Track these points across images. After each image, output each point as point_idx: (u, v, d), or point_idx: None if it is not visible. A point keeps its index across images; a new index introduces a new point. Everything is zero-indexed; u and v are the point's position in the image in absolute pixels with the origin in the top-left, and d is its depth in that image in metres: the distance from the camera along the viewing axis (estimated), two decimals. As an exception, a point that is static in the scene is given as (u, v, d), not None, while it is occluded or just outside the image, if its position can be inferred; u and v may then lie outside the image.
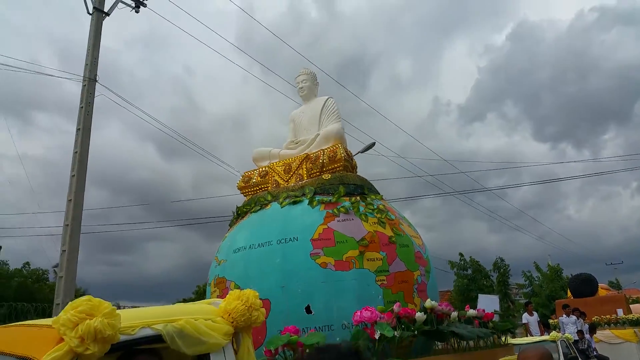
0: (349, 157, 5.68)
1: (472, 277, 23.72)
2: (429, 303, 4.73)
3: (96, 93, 10.44)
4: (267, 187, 5.82)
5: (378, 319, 3.99)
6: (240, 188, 6.00)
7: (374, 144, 17.60)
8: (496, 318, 6.20)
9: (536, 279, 25.83)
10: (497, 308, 9.82)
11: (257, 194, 5.62)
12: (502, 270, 23.81)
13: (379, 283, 4.65)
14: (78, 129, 10.09)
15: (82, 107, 10.32)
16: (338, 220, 4.87)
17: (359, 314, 3.93)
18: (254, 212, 5.36)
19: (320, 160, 5.59)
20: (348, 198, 5.15)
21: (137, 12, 12.29)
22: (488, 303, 9.77)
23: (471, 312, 5.64)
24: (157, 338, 2.71)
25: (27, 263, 22.23)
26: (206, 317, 3.04)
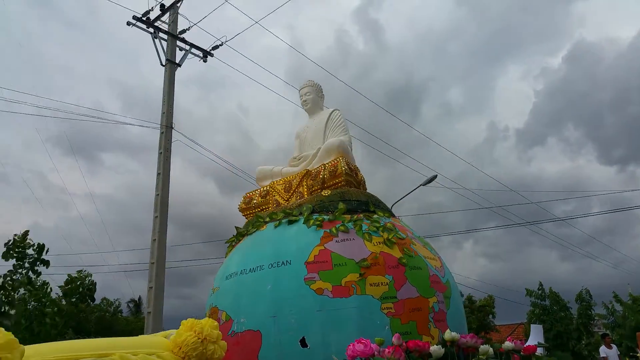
0: (353, 172, 5.14)
1: (548, 309, 21.68)
2: (448, 335, 4.02)
3: (173, 139, 11.32)
4: (269, 207, 5.35)
5: (375, 353, 3.35)
6: (241, 210, 5.56)
7: (435, 176, 17.50)
8: (541, 351, 5.31)
9: (618, 310, 23.47)
10: (542, 339, 8.71)
11: (256, 215, 5.15)
12: (584, 302, 21.61)
13: (385, 311, 4.00)
14: (159, 174, 10.85)
15: (160, 153, 11.07)
16: (336, 241, 4.29)
17: (351, 347, 3.30)
18: (249, 234, 4.88)
19: (321, 176, 5.08)
20: (349, 216, 4.58)
21: (205, 61, 12.97)
22: (536, 333, 8.70)
23: (507, 344, 4.83)
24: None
25: (105, 298, 23.20)
26: (150, 351, 2.53)
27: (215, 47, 12.95)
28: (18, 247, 12.10)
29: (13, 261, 12.07)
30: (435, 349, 3.85)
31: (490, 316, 25.69)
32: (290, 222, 4.59)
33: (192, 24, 12.59)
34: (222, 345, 2.77)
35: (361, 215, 4.63)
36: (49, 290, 12.73)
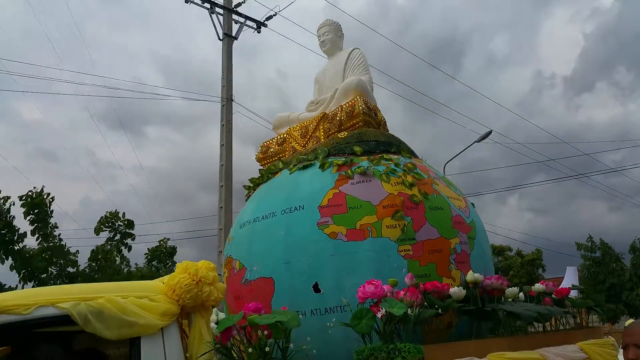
0: (372, 112, 4.84)
1: (600, 261, 20.91)
2: (471, 276, 3.79)
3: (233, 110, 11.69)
4: (285, 155, 5.18)
5: (387, 294, 3.18)
6: (258, 160, 5.41)
7: (490, 132, 17.38)
8: (575, 294, 5.01)
9: None
10: (576, 281, 8.27)
11: (269, 164, 5.00)
12: (637, 252, 20.64)
13: (403, 254, 3.80)
14: (222, 145, 11.33)
15: (223, 125, 11.52)
16: (352, 183, 4.08)
17: (362, 289, 3.15)
18: (264, 182, 4.74)
19: (338, 118, 4.82)
20: (367, 157, 4.33)
21: (259, 32, 13.17)
22: (570, 276, 8.27)
23: (537, 286, 4.55)
24: (65, 319, 2.19)
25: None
26: (141, 294, 2.47)
27: (269, 18, 13.07)
28: (109, 222, 13.10)
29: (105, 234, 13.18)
30: (455, 290, 3.64)
31: (540, 269, 25.23)
32: (305, 167, 4.41)
33: None
34: (219, 287, 2.67)
35: (379, 156, 4.38)
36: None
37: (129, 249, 13.77)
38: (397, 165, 4.23)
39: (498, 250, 25.31)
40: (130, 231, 13.60)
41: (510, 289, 4.36)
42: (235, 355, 2.43)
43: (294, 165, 4.49)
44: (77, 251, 12.52)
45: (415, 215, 3.94)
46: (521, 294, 4.48)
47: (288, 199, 4.14)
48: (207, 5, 12.16)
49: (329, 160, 4.32)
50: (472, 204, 4.78)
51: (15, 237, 11.26)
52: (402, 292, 3.38)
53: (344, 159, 4.26)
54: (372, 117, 4.83)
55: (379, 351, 2.88)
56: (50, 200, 11.81)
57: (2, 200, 11.29)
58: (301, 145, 5.04)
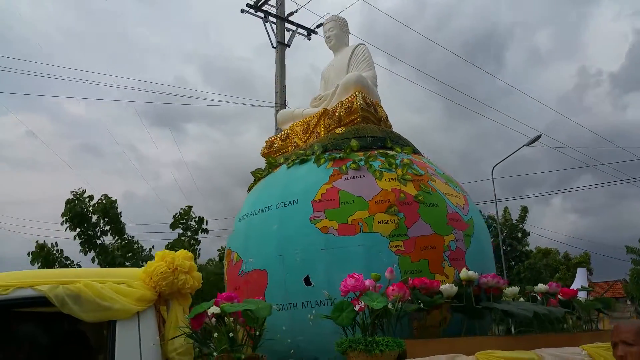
0: (371, 107, 4.83)
1: None
2: (465, 273, 3.74)
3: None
4: (288, 150, 5.23)
5: (370, 288, 3.19)
6: (263, 155, 5.48)
7: (539, 136, 17.42)
8: (583, 295, 4.87)
9: None
10: (585, 283, 7.99)
11: (269, 158, 5.06)
12: None
13: (394, 249, 3.79)
14: None
15: (277, 129, 11.88)
16: (346, 179, 4.09)
17: (344, 282, 3.16)
18: (263, 177, 4.81)
19: (337, 114, 4.83)
20: (363, 153, 4.33)
21: (309, 39, 13.61)
22: (581, 277, 8.02)
23: (540, 287, 4.46)
24: (42, 301, 2.30)
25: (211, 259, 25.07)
26: (120, 280, 2.56)
27: (320, 25, 13.31)
28: (183, 218, 13.66)
29: (179, 230, 13.60)
30: (446, 287, 3.61)
31: (587, 273, 24.58)
32: (302, 162, 4.45)
33: (299, 7, 13.24)
34: (195, 276, 2.74)
35: (376, 152, 4.37)
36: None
37: (198, 243, 14.16)
38: (392, 161, 4.21)
39: (543, 253, 24.85)
40: (204, 227, 14.01)
41: (510, 288, 4.29)
42: (207, 340, 2.49)
43: (292, 160, 4.53)
44: (153, 246, 13.16)
45: (408, 211, 3.92)
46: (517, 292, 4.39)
47: (283, 193, 4.19)
48: (261, 14, 12.58)
49: (325, 155, 4.35)
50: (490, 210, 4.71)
51: (98, 234, 12.07)
52: (390, 289, 3.39)
53: (339, 155, 4.27)
54: (371, 112, 4.82)
55: (357, 343, 2.90)
56: (116, 205, 12.56)
57: (86, 199, 12.00)
58: (303, 141, 5.09)
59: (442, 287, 3.63)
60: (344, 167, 4.17)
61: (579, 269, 9.73)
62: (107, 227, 12.34)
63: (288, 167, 4.51)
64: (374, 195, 3.96)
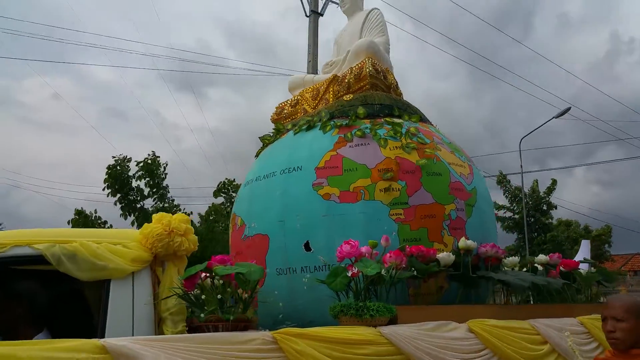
0: (380, 74, 4.77)
1: None
2: (463, 242, 3.77)
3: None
4: (298, 116, 5.24)
5: (367, 255, 3.26)
6: (273, 121, 5.50)
7: (569, 108, 17.42)
8: (586, 267, 4.84)
9: None
10: (588, 255, 7.89)
11: (277, 124, 5.09)
12: None
13: (394, 217, 3.83)
14: None
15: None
16: (350, 146, 4.11)
17: (340, 248, 3.24)
18: (271, 143, 4.86)
19: (347, 80, 4.80)
20: (369, 121, 4.32)
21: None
22: (584, 249, 7.91)
23: (541, 257, 4.46)
24: (39, 259, 2.43)
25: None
26: (116, 241, 2.68)
27: None
28: (226, 188, 13.97)
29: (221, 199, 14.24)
30: (443, 255, 3.66)
31: (606, 245, 24.37)
32: (309, 129, 4.47)
33: None
34: (191, 239, 2.84)
35: (382, 119, 4.35)
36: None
37: None
38: (398, 129, 4.19)
39: (565, 224, 24.65)
40: None
41: (510, 258, 4.31)
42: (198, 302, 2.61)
43: (299, 127, 4.56)
44: (191, 212, 13.58)
45: (410, 179, 3.93)
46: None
47: (288, 160, 4.24)
48: None
49: (332, 122, 4.35)
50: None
51: (139, 198, 12.45)
52: (388, 256, 3.45)
53: (345, 122, 4.27)
54: (380, 80, 4.76)
55: (349, 308, 2.99)
56: (165, 165, 12.82)
57: (127, 162, 12.31)
58: (312, 107, 5.09)
59: (439, 255, 3.67)
60: (349, 135, 4.17)
61: (583, 241, 9.62)
62: (149, 190, 12.62)
63: (295, 134, 4.54)
64: (377, 163, 3.97)
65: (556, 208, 23.13)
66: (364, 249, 3.27)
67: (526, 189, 20.27)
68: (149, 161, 12.79)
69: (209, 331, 2.45)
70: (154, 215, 2.82)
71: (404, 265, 3.41)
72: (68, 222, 11.81)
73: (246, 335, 2.44)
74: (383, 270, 3.13)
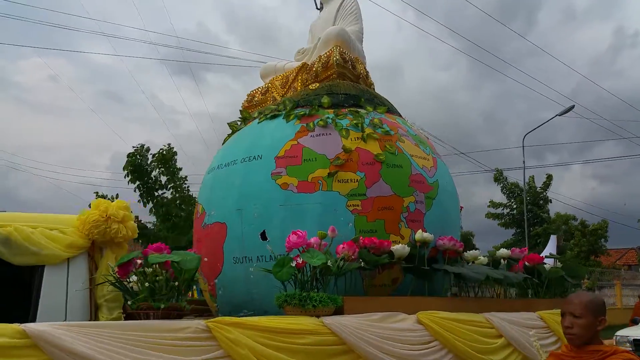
0: (348, 63, 4.72)
1: None
2: (420, 235, 3.77)
3: None
4: (267, 104, 5.19)
5: (315, 246, 3.24)
6: (244, 108, 5.46)
7: (573, 107, 17.55)
8: (552, 262, 4.85)
9: None
10: (554, 250, 7.90)
11: (243, 111, 5.05)
12: None
13: (351, 208, 3.81)
14: None
15: None
16: (311, 136, 4.07)
17: (288, 238, 3.23)
18: (238, 130, 4.82)
19: (314, 69, 4.75)
20: (333, 110, 4.28)
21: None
22: (551, 244, 7.93)
23: (502, 251, 4.46)
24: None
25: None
26: (53, 226, 2.66)
27: None
28: None
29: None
30: (398, 247, 3.65)
31: (602, 240, 24.57)
32: (274, 117, 4.43)
33: None
34: (129, 226, 2.82)
35: (346, 110, 4.32)
36: None
37: None
38: (361, 120, 4.16)
39: (563, 219, 24.83)
40: None
41: (471, 251, 4.31)
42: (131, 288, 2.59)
43: (264, 115, 4.52)
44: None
45: (369, 171, 3.91)
46: (483, 257, 4.41)
47: (250, 148, 4.21)
48: None
49: (296, 111, 4.31)
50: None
51: (156, 186, 12.57)
52: (341, 246, 3.44)
53: (307, 111, 4.24)
54: (348, 69, 4.72)
55: (292, 298, 2.98)
56: (174, 153, 12.86)
57: (146, 152, 12.41)
58: (281, 95, 5.04)
59: (394, 247, 3.66)
60: (311, 124, 4.14)
61: (551, 236, 9.66)
62: (165, 179, 12.74)
63: (259, 122, 4.50)
64: (337, 154, 3.95)
65: (551, 202, 23.29)
66: (312, 240, 3.26)
67: (521, 183, 20.34)
68: (164, 152, 12.98)
69: (140, 319, 2.44)
70: (92, 202, 2.80)
71: (353, 257, 3.40)
72: (89, 207, 11.98)
73: (178, 324, 2.44)
74: (329, 261, 3.12)
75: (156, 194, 12.88)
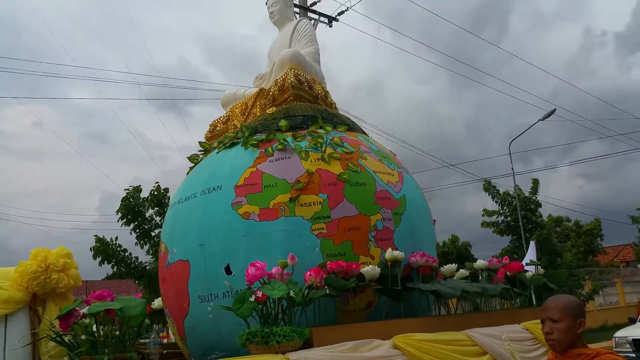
0: (304, 85, 4.63)
1: None
2: (390, 254, 3.61)
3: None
4: (229, 133, 5.06)
5: (276, 276, 3.07)
6: (207, 139, 5.32)
7: (554, 110, 18.05)
8: (532, 270, 4.71)
9: None
10: (534, 257, 7.77)
11: (202, 143, 4.91)
12: None
13: (316, 232, 3.65)
14: None
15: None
16: (270, 161, 3.94)
17: (247, 271, 3.05)
18: (198, 163, 4.66)
19: (271, 93, 4.65)
20: (291, 133, 4.16)
21: (330, 27, 14.14)
22: (532, 250, 7.81)
23: (479, 263, 4.32)
24: None
25: None
26: (-13, 282, 2.45)
27: (341, 13, 14.13)
28: None
29: None
30: (368, 269, 3.49)
31: (598, 239, 24.64)
32: (232, 146, 4.29)
33: None
34: (72, 274, 2.63)
35: (305, 131, 4.20)
36: None
37: None
38: (320, 140, 4.04)
39: (555, 220, 24.84)
40: None
41: (447, 266, 4.17)
42: (72, 342, 2.39)
43: (223, 144, 4.38)
44: None
45: (332, 191, 3.77)
46: (463, 271, 4.27)
47: (209, 179, 4.05)
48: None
49: (254, 138, 4.18)
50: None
51: (152, 227, 12.34)
52: (308, 273, 3.27)
53: (264, 136, 4.11)
54: (304, 90, 4.63)
55: (254, 335, 2.79)
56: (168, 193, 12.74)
57: (138, 192, 12.22)
58: (241, 123, 4.91)
59: (364, 269, 3.50)
60: (270, 149, 4.01)
61: (531, 242, 9.55)
62: (159, 218, 12.51)
63: (218, 152, 4.36)
64: (298, 177, 3.81)
65: (541, 206, 23.41)
66: (274, 270, 3.09)
67: (512, 191, 20.38)
68: (155, 192, 12.90)
69: (83, 376, 2.24)
70: (31, 251, 2.61)
71: (320, 284, 3.23)
72: (90, 249, 11.64)
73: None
74: (292, 291, 2.94)
75: (153, 234, 12.69)
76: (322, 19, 13.93)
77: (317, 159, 3.93)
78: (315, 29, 12.88)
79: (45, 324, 2.50)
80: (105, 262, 11.03)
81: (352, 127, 4.62)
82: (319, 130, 4.19)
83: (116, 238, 11.56)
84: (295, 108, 4.41)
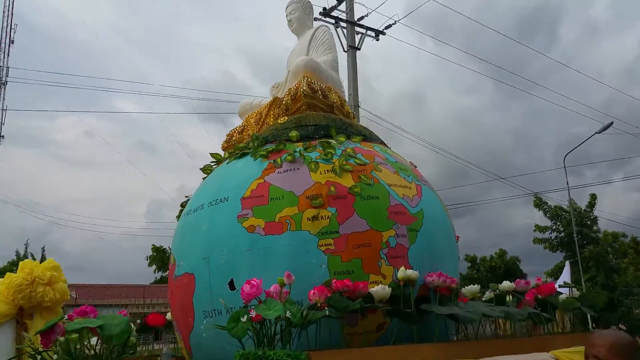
0: (317, 93, 4.46)
1: None
2: (403, 272, 3.37)
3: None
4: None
5: (274, 295, 2.88)
6: (224, 149, 5.23)
7: (611, 123, 17.27)
8: (565, 292, 4.32)
9: None
10: (568, 278, 7.15)
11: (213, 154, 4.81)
12: None
13: (323, 248, 3.45)
14: None
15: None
16: (279, 172, 3.78)
17: (242, 289, 2.88)
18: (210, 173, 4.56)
19: (284, 102, 4.51)
20: (302, 144, 3.99)
21: (377, 40, 13.79)
22: (566, 271, 7.23)
23: (505, 285, 3.98)
24: None
25: None
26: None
27: (388, 27, 13.72)
28: None
29: None
30: (377, 289, 3.25)
31: None
32: (242, 156, 4.16)
33: (370, 10, 13.46)
34: (58, 288, 2.53)
35: (317, 142, 4.02)
36: None
37: None
38: (332, 151, 3.85)
39: (612, 236, 23.65)
40: None
41: (469, 287, 3.88)
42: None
43: (233, 155, 4.26)
44: None
45: (341, 205, 3.56)
46: (488, 293, 3.96)
47: (217, 191, 3.93)
48: (332, 20, 12.74)
49: (264, 148, 4.04)
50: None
51: None
52: (311, 291, 3.08)
53: (274, 146, 3.96)
54: (318, 99, 4.46)
55: (246, 357, 2.61)
56: None
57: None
58: (253, 133, 4.79)
59: (373, 289, 3.27)
60: (278, 160, 3.85)
61: (566, 262, 8.86)
62: None
63: (228, 163, 4.24)
64: (306, 190, 3.63)
65: (597, 222, 22.25)
66: (272, 289, 2.91)
67: (565, 205, 19.45)
68: None
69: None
70: (20, 263, 2.54)
71: (325, 304, 3.02)
72: (146, 258, 12.02)
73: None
74: (289, 311, 2.75)
75: None
76: (369, 32, 13.51)
77: (328, 170, 3.74)
78: (362, 43, 12.90)
79: (34, 338, 2.41)
80: (161, 270, 11.29)
81: (368, 137, 4.41)
82: (331, 141, 4.01)
83: (169, 248, 11.93)
84: (307, 117, 4.25)
